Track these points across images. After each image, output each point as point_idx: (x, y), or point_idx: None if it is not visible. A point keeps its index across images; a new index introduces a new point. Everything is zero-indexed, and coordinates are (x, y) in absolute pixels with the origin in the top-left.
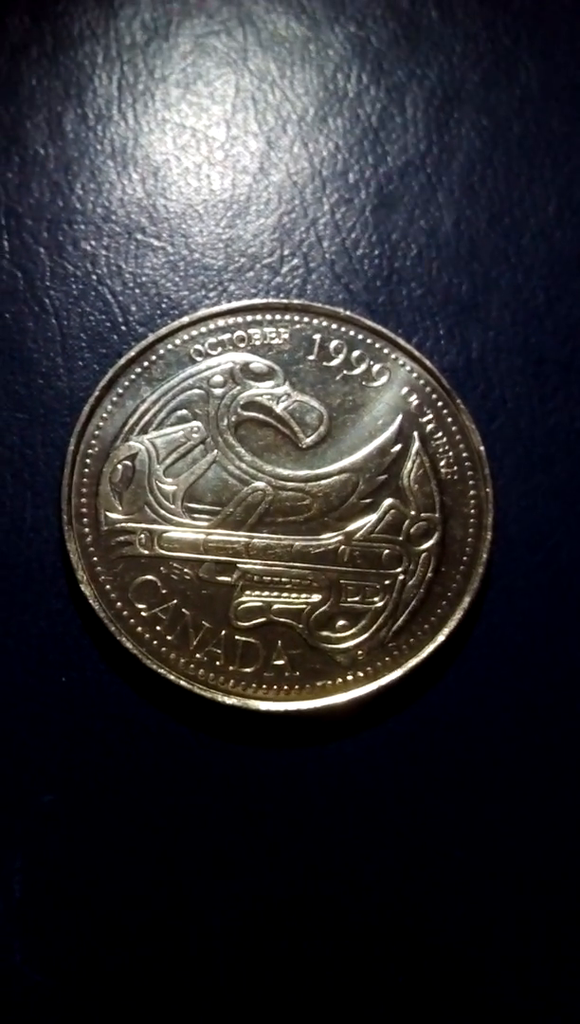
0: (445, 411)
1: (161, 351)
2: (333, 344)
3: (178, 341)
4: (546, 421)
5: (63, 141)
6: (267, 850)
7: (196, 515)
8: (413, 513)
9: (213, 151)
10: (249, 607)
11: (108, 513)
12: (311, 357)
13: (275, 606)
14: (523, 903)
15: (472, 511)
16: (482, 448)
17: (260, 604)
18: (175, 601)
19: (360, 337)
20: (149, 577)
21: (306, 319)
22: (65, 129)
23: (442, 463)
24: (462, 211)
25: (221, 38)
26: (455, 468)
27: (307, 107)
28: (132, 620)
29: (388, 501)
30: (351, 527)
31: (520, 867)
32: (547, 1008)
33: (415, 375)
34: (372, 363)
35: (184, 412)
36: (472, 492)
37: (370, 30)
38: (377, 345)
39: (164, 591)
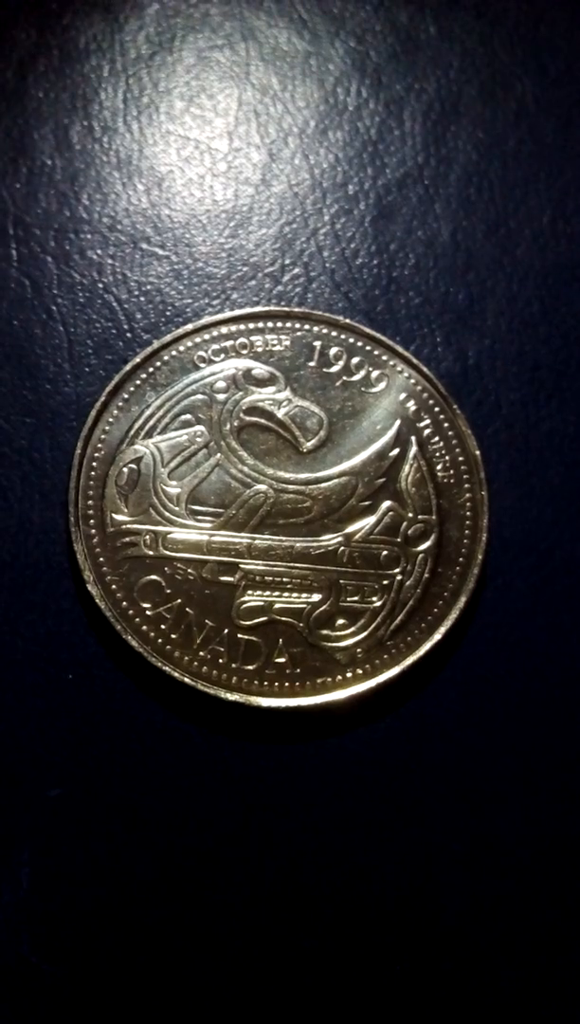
0: (442, 416)
1: (165, 358)
2: (333, 351)
3: (182, 348)
4: (540, 426)
5: (69, 152)
6: (268, 843)
7: (199, 517)
8: (411, 515)
9: (216, 163)
10: (251, 606)
11: (114, 515)
12: (312, 364)
13: (276, 605)
14: (521, 896)
15: (468, 513)
16: (478, 452)
17: (262, 603)
18: (179, 600)
19: (359, 344)
20: (154, 577)
21: (307, 327)
22: (71, 141)
23: (439, 467)
24: (459, 222)
25: (224, 52)
26: (451, 472)
27: (308, 120)
28: (137, 619)
29: (386, 504)
30: (350, 529)
31: (517, 861)
32: (545, 1000)
33: (413, 381)
34: (371, 369)
35: (188, 417)
36: (468, 495)
37: (369, 45)
38: (376, 352)
39: (168, 591)
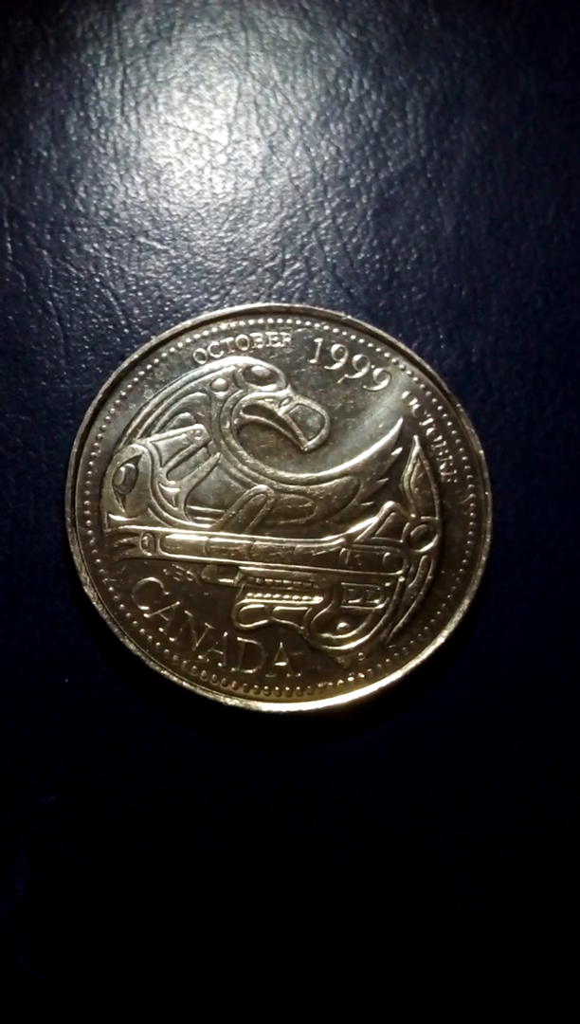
0: (445, 415)
1: (164, 354)
2: (334, 348)
3: (181, 344)
4: (545, 425)
5: (66, 144)
6: (268, 849)
7: (198, 517)
8: (413, 516)
9: (215, 155)
10: (251, 609)
11: (111, 515)
12: (313, 361)
13: (277, 608)
14: (522, 903)
15: (471, 514)
16: (481, 452)
17: (262, 606)
18: (177, 603)
19: (361, 341)
20: (152, 579)
21: (308, 323)
22: (68, 132)
23: (442, 466)
24: (462, 216)
25: (224, 42)
26: (455, 471)
27: (309, 112)
28: (135, 622)
29: (389, 504)
30: (352, 530)
31: (519, 868)
32: (546, 1008)
33: (415, 379)
34: (373, 367)
35: (187, 415)
36: (471, 495)
37: (371, 35)
38: (378, 349)
39: (167, 593)
